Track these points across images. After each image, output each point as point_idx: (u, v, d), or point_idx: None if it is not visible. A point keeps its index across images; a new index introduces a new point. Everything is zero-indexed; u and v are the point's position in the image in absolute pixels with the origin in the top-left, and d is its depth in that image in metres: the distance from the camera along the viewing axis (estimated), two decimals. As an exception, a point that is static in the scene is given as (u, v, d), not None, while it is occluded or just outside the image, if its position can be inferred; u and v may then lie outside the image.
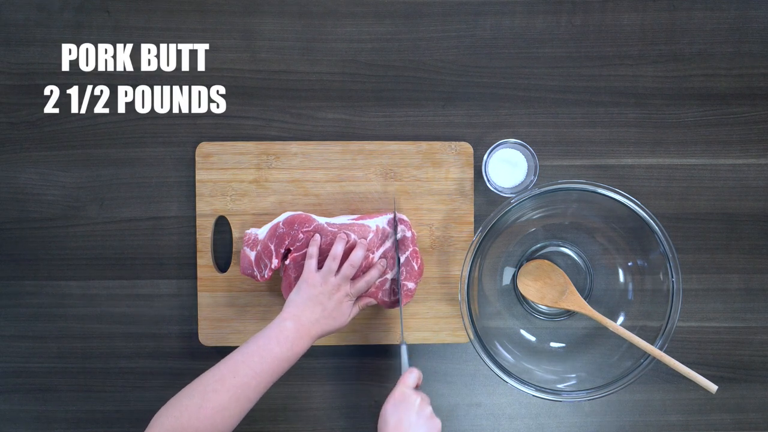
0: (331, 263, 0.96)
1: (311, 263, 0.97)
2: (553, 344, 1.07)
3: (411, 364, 1.04)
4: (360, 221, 1.01)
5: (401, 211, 1.06)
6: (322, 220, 1.01)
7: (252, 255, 1.01)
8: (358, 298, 1.00)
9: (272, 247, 1.01)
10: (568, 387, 0.99)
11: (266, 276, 1.01)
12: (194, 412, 0.83)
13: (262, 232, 1.02)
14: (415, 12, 1.08)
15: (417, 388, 0.94)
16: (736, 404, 1.09)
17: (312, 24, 1.09)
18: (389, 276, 1.02)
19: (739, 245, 1.09)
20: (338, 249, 0.98)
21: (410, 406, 0.90)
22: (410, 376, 0.94)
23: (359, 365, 1.09)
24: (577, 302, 1.02)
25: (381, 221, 1.02)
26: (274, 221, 1.02)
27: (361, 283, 0.98)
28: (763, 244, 1.09)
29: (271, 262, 1.00)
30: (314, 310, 0.93)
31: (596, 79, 1.09)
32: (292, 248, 1.00)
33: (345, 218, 1.02)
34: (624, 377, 0.97)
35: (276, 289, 1.07)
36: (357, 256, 0.98)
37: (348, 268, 0.96)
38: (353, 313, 0.99)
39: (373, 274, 0.99)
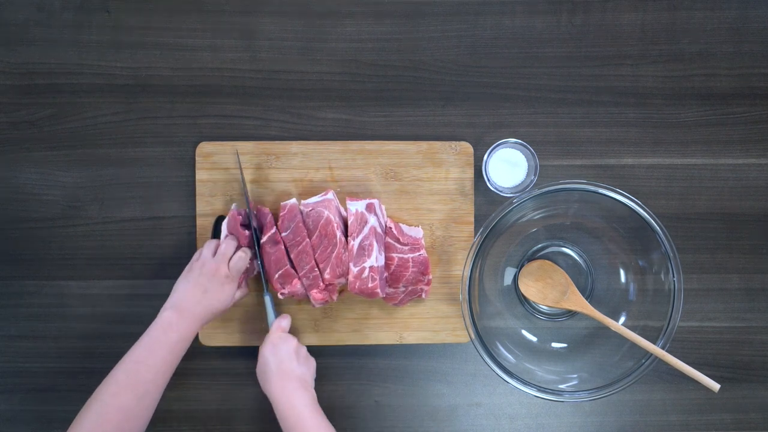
0: (211, 246, 0.99)
1: (195, 255, 1.00)
2: (554, 344, 1.07)
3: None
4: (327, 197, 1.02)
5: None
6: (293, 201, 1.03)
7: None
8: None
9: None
10: (570, 387, 0.99)
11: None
12: (98, 419, 0.86)
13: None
14: (416, 12, 1.08)
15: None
16: (736, 404, 1.09)
17: (312, 24, 1.09)
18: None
19: (740, 245, 1.09)
20: (232, 242, 1.00)
21: (289, 347, 0.98)
22: (284, 321, 1.01)
23: (359, 365, 1.09)
24: (578, 302, 1.02)
25: (360, 205, 1.01)
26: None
27: (237, 261, 0.98)
28: (763, 244, 1.09)
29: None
30: (195, 293, 0.95)
31: (596, 79, 1.09)
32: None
33: (318, 197, 1.03)
34: (625, 377, 0.97)
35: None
36: (230, 240, 1.00)
37: (225, 248, 0.99)
38: (238, 295, 1.00)
39: (241, 254, 0.99)
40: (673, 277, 0.97)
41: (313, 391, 0.97)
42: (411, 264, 1.02)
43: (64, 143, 1.08)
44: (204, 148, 1.07)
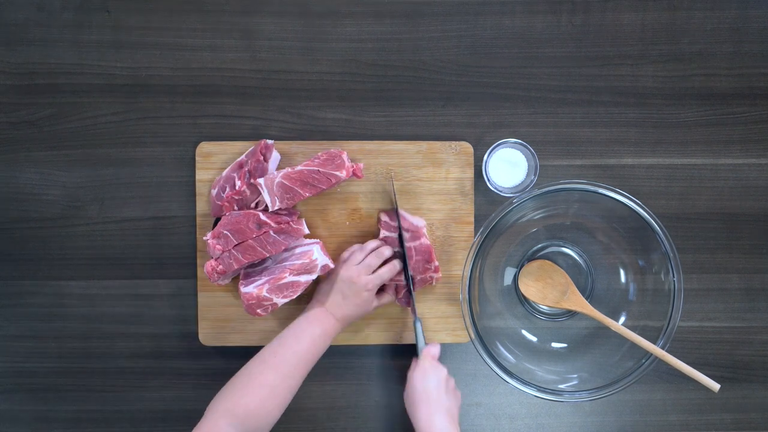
0: (359, 254, 1.02)
1: (344, 254, 1.03)
2: (554, 344, 1.07)
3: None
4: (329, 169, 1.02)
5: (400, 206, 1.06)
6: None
7: (214, 192, 1.04)
8: (382, 292, 1.04)
9: (234, 175, 1.04)
10: (570, 387, 0.99)
11: (227, 196, 1.02)
12: (242, 391, 0.89)
13: (226, 171, 1.05)
14: (416, 12, 1.08)
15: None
16: (736, 404, 1.09)
17: (312, 24, 1.09)
18: (288, 277, 1.02)
19: (740, 245, 1.09)
20: (371, 244, 1.03)
21: (438, 376, 0.98)
22: (435, 348, 1.02)
23: (359, 365, 1.09)
24: (578, 302, 1.02)
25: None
26: (240, 158, 1.05)
27: (382, 272, 1.01)
28: (763, 244, 1.09)
29: (233, 186, 1.03)
30: (335, 296, 0.99)
31: (596, 79, 1.09)
32: (254, 172, 1.02)
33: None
34: (625, 377, 0.97)
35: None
36: (382, 252, 1.02)
37: (371, 259, 1.01)
38: (375, 303, 1.02)
39: (390, 267, 1.02)
40: (673, 277, 0.97)
41: (458, 425, 0.97)
42: (414, 253, 1.03)
43: (64, 143, 1.08)
44: (204, 148, 1.07)
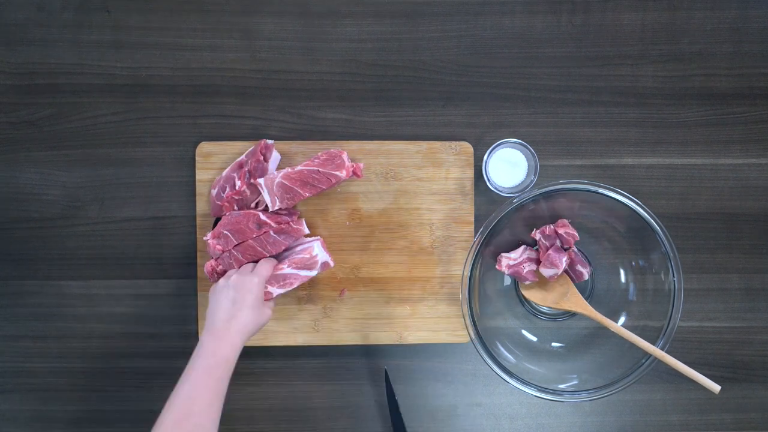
0: (231, 272, 0.98)
1: (221, 281, 0.97)
2: (554, 344, 1.07)
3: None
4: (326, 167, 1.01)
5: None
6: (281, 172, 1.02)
7: (214, 191, 1.04)
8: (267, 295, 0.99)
9: (234, 175, 1.03)
10: (570, 387, 0.99)
11: (227, 196, 1.02)
12: None
13: (226, 171, 1.05)
14: (416, 12, 1.08)
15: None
16: (736, 404, 1.09)
17: (312, 24, 1.09)
18: (286, 269, 1.00)
19: (740, 245, 1.09)
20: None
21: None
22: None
23: (359, 365, 1.09)
24: (578, 303, 1.02)
25: None
26: (239, 158, 1.04)
27: (260, 268, 0.97)
28: (763, 244, 1.09)
29: (233, 186, 1.02)
30: (222, 308, 0.92)
31: (596, 79, 1.09)
32: (254, 172, 1.02)
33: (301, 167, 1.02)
34: (625, 377, 0.97)
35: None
36: (269, 258, 1.00)
37: (246, 265, 0.99)
38: (269, 300, 0.98)
39: (264, 261, 0.99)
40: (673, 277, 0.97)
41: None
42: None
43: (64, 143, 1.08)
44: (204, 148, 1.07)
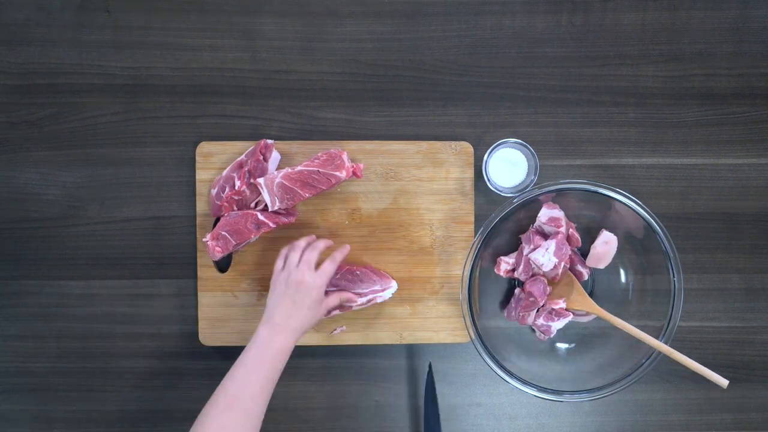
0: (293, 255, 0.97)
1: (278, 263, 0.98)
2: (555, 344, 1.07)
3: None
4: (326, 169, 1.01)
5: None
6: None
7: (214, 191, 1.04)
8: (339, 290, 1.02)
9: (234, 174, 1.03)
10: (570, 387, 0.99)
11: (227, 197, 1.02)
12: None
13: (225, 171, 1.05)
14: (416, 12, 1.08)
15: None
16: (736, 404, 1.09)
17: (312, 24, 1.09)
18: (362, 290, 1.04)
19: (740, 245, 1.09)
20: (300, 243, 0.99)
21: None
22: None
23: (359, 365, 1.09)
24: (584, 302, 1.02)
25: None
26: (239, 158, 1.04)
27: (325, 267, 0.97)
28: (763, 244, 1.09)
29: (233, 186, 1.02)
30: (284, 306, 0.94)
31: (596, 79, 1.09)
32: (254, 172, 1.02)
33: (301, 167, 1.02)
34: (625, 377, 0.97)
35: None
36: (317, 245, 0.99)
37: (309, 254, 0.97)
38: (330, 303, 0.99)
39: (331, 260, 0.98)
40: (673, 277, 0.97)
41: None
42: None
43: (64, 143, 1.08)
44: (204, 148, 1.07)
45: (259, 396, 0.89)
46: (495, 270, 1.03)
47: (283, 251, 1.00)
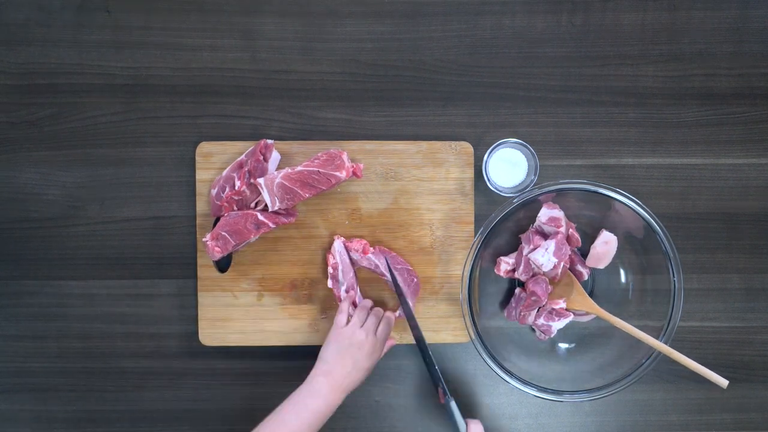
0: (362, 314, 1.00)
1: (341, 318, 0.99)
2: (554, 344, 1.07)
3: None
4: (326, 170, 1.01)
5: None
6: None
7: (214, 191, 1.04)
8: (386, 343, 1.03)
9: (234, 175, 1.03)
10: (570, 387, 0.99)
11: (227, 197, 1.02)
12: None
13: (225, 171, 1.05)
14: (416, 12, 1.08)
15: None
16: (736, 404, 1.09)
17: (312, 24, 1.09)
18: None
19: (740, 245, 1.09)
20: (368, 302, 1.02)
21: None
22: (477, 427, 0.95)
23: (359, 365, 1.09)
24: (584, 302, 1.02)
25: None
26: (239, 158, 1.04)
27: (382, 332, 1.00)
28: (763, 244, 1.09)
29: (233, 186, 1.02)
30: (345, 364, 0.96)
31: (596, 79, 1.09)
32: (254, 172, 1.02)
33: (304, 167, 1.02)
34: (625, 377, 0.96)
35: (275, 289, 1.07)
36: (379, 311, 1.02)
37: (372, 319, 1.00)
38: (377, 358, 1.01)
39: (386, 323, 1.01)
40: (673, 277, 0.97)
41: None
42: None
43: (64, 143, 1.08)
44: (204, 148, 1.07)
45: None
46: (495, 270, 1.03)
47: (344, 306, 1.01)
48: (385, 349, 1.01)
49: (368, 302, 1.03)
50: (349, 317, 1.00)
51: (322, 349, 0.97)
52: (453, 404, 0.97)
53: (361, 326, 0.98)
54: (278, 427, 0.90)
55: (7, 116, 1.08)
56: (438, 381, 1.01)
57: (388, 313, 1.03)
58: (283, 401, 0.92)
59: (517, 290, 1.04)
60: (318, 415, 0.92)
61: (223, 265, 1.07)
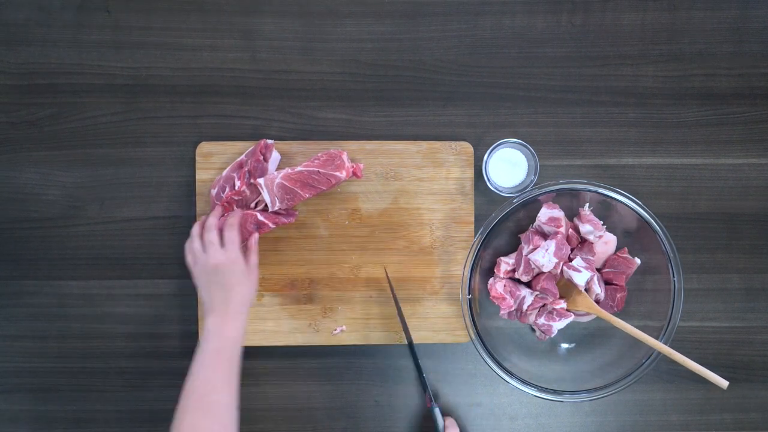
0: (195, 243, 0.96)
1: (188, 258, 0.97)
2: (554, 344, 1.07)
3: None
4: (325, 169, 1.01)
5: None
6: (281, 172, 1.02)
7: (214, 191, 1.04)
8: (247, 250, 0.99)
9: (234, 175, 1.03)
10: (570, 387, 0.99)
11: (227, 197, 1.02)
12: None
13: (226, 171, 1.05)
14: (416, 12, 1.08)
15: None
16: (736, 404, 1.09)
17: (312, 24, 1.09)
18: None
19: (740, 245, 1.09)
20: (210, 221, 0.98)
21: None
22: (453, 430, 1.00)
23: (359, 365, 1.09)
24: (585, 303, 1.02)
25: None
26: (239, 158, 1.04)
27: (229, 236, 0.95)
28: (763, 244, 1.09)
29: (233, 186, 1.02)
30: (216, 293, 0.93)
31: (596, 79, 1.09)
32: (254, 172, 1.02)
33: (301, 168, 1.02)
34: (625, 377, 0.97)
35: (275, 289, 1.07)
36: (210, 222, 0.97)
37: (209, 235, 0.95)
38: (252, 260, 0.97)
39: (230, 220, 0.97)
40: (673, 277, 0.97)
41: None
42: None
43: (64, 143, 1.08)
44: (204, 148, 1.07)
45: (225, 386, 0.87)
46: (495, 270, 1.03)
47: (194, 230, 0.98)
48: (253, 256, 0.98)
49: (196, 228, 0.98)
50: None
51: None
52: (437, 410, 1.02)
53: (204, 250, 0.94)
54: (198, 386, 0.86)
55: (7, 116, 1.08)
56: (425, 388, 1.04)
57: (230, 219, 0.98)
58: (192, 365, 0.89)
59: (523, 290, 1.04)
60: (226, 352, 0.89)
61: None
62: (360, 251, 1.07)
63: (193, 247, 0.97)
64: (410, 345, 1.05)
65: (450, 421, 1.02)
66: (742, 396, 1.09)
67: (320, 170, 1.00)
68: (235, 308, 0.92)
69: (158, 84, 1.08)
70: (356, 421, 1.09)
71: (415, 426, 1.09)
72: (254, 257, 0.98)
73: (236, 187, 1.02)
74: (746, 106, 1.09)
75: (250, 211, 1.02)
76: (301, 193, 1.01)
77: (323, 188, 1.01)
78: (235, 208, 1.03)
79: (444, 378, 1.09)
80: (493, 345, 1.00)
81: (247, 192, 1.02)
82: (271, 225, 1.02)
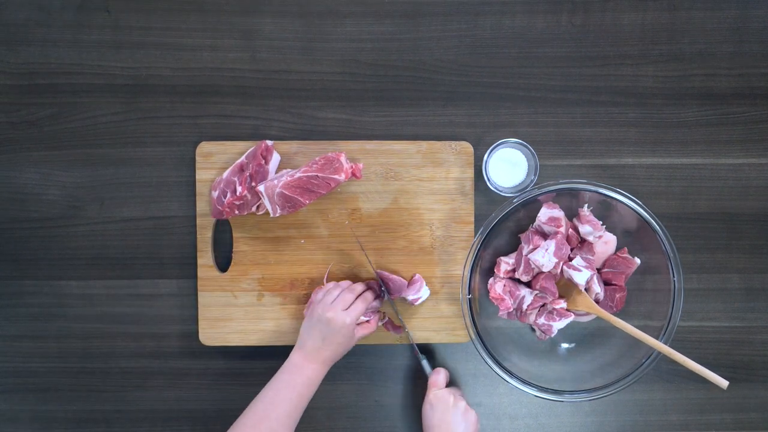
0: (333, 292, 1.00)
1: (318, 293, 1.02)
2: (554, 344, 1.07)
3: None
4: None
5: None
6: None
7: (215, 194, 1.04)
8: (360, 324, 1.02)
9: (235, 179, 1.03)
10: (570, 387, 0.99)
11: (228, 203, 1.02)
12: None
13: (226, 173, 1.04)
14: (416, 12, 1.08)
15: (447, 384, 1.02)
16: (736, 404, 1.09)
17: (312, 24, 1.09)
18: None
19: (740, 245, 1.09)
20: (343, 283, 1.03)
21: (446, 405, 0.98)
22: (438, 377, 1.01)
23: (359, 365, 1.09)
24: (585, 303, 1.02)
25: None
26: (240, 160, 1.04)
27: (357, 307, 0.99)
28: (763, 244, 1.09)
29: (234, 192, 1.02)
30: (315, 337, 0.97)
31: (596, 79, 1.09)
32: (255, 176, 1.02)
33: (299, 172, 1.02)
34: (625, 377, 0.97)
35: (275, 289, 1.07)
36: (355, 288, 1.02)
37: (347, 294, 1.00)
38: (358, 335, 1.01)
39: (363, 299, 1.01)
40: (673, 277, 0.97)
41: None
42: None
43: (64, 143, 1.08)
44: (204, 148, 1.07)
45: (285, 419, 0.93)
46: (495, 270, 1.03)
47: (328, 285, 1.03)
48: (362, 331, 1.02)
49: (346, 282, 1.03)
50: None
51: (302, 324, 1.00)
52: (424, 361, 1.05)
53: (332, 302, 0.99)
54: (264, 408, 0.93)
55: (7, 116, 1.08)
56: (412, 344, 1.07)
57: (367, 293, 1.02)
58: (264, 387, 0.95)
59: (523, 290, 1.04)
60: (299, 388, 0.94)
61: (223, 264, 1.07)
62: (360, 251, 1.07)
63: (328, 293, 1.00)
64: (382, 288, 1.05)
65: (438, 369, 1.03)
66: (742, 396, 1.09)
67: (319, 174, 1.00)
68: (322, 360, 0.97)
69: (158, 84, 1.08)
70: (356, 421, 1.09)
71: (415, 426, 1.09)
72: (361, 333, 1.02)
73: (238, 193, 1.02)
74: (746, 106, 1.09)
75: (377, 304, 1.04)
76: (302, 200, 1.01)
77: (323, 192, 1.01)
78: (236, 212, 1.03)
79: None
80: (493, 345, 1.00)
81: (249, 196, 1.02)
82: (372, 325, 1.04)
